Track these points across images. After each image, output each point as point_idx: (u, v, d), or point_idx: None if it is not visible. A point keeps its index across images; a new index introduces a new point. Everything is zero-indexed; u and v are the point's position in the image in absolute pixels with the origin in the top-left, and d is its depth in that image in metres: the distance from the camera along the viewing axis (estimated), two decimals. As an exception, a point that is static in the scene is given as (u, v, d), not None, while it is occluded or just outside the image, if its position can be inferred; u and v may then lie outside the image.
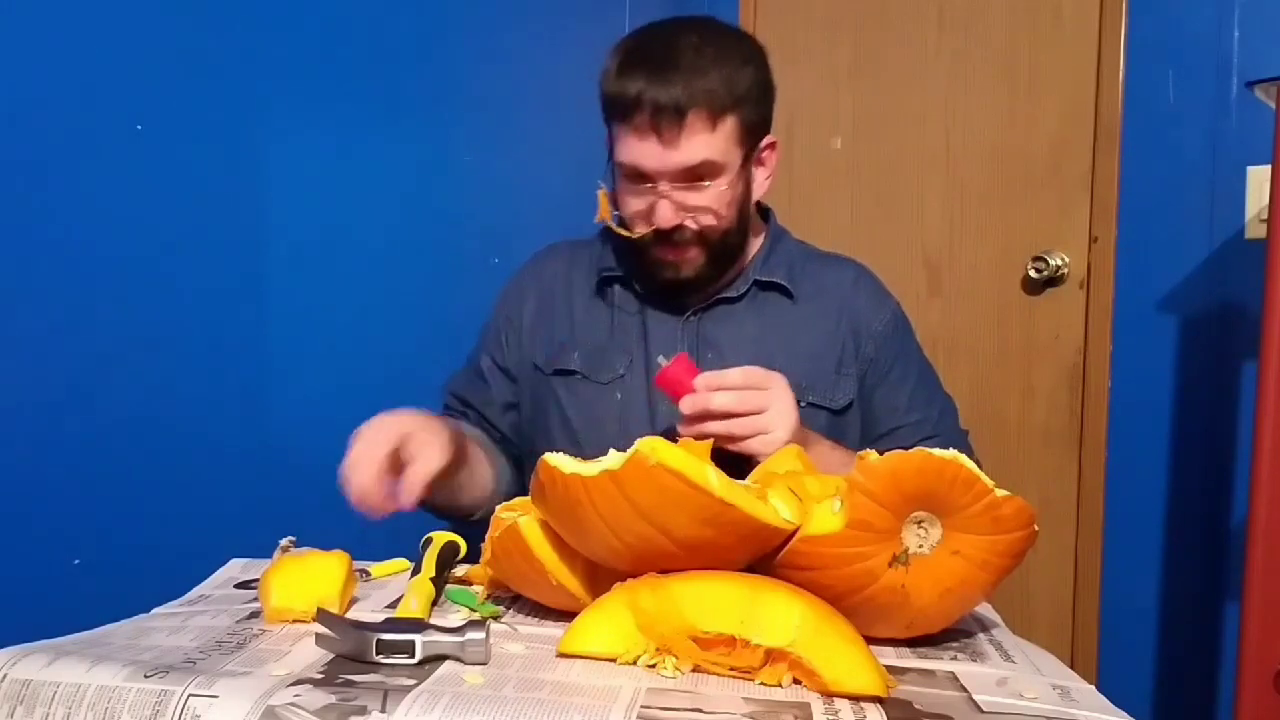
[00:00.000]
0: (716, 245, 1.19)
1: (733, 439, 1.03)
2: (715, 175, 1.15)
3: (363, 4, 1.66)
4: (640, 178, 1.16)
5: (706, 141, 1.13)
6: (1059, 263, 1.96)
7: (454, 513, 1.19)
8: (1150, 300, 1.85)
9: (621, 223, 1.21)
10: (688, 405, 1.03)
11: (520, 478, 1.28)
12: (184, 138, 1.39)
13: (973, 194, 2.06)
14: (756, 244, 1.29)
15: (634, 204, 1.18)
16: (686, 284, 1.21)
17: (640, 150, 1.14)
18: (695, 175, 1.14)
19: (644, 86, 1.11)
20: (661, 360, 1.12)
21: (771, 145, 1.23)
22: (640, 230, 1.18)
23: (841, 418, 1.23)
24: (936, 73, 2.09)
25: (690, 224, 1.16)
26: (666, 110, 1.11)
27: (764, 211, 1.33)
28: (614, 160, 1.19)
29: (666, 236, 1.16)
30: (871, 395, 1.26)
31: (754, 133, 1.19)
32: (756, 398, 1.03)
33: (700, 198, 1.15)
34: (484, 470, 1.20)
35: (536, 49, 1.95)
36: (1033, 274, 1.97)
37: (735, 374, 1.03)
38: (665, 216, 1.15)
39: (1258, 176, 1.72)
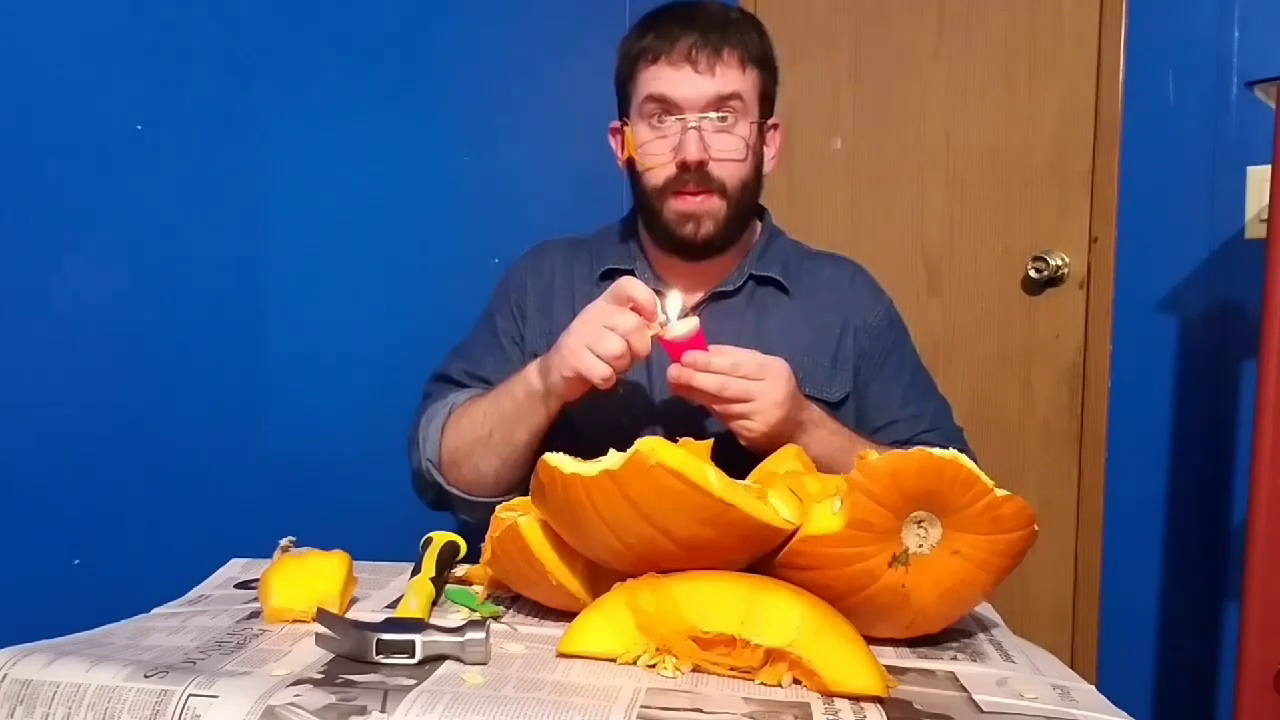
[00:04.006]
0: (734, 197, 1.19)
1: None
2: (741, 116, 1.17)
3: (361, 5, 1.66)
4: (668, 111, 1.17)
5: (738, 77, 1.17)
6: (1059, 263, 1.96)
7: (491, 485, 1.17)
8: (1150, 300, 1.85)
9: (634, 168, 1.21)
10: (673, 375, 1.04)
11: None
12: (184, 138, 1.40)
13: (973, 194, 2.06)
14: (753, 237, 1.29)
15: (658, 143, 1.17)
16: (702, 244, 1.20)
17: (674, 79, 1.15)
18: (724, 109, 1.16)
19: (680, 30, 1.15)
20: (670, 312, 1.05)
21: (776, 126, 1.26)
22: (663, 170, 1.17)
23: (837, 411, 1.23)
24: (936, 73, 2.08)
25: (714, 169, 1.17)
26: (704, 44, 1.14)
27: (760, 209, 1.33)
28: (637, 102, 1.19)
29: (691, 176, 1.16)
30: (865, 389, 1.27)
31: (767, 101, 1.22)
32: (741, 386, 1.04)
33: (726, 140, 1.16)
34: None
35: (536, 49, 1.95)
36: (1033, 274, 1.97)
37: (723, 361, 1.04)
38: (694, 147, 1.14)
39: (1258, 176, 1.71)
